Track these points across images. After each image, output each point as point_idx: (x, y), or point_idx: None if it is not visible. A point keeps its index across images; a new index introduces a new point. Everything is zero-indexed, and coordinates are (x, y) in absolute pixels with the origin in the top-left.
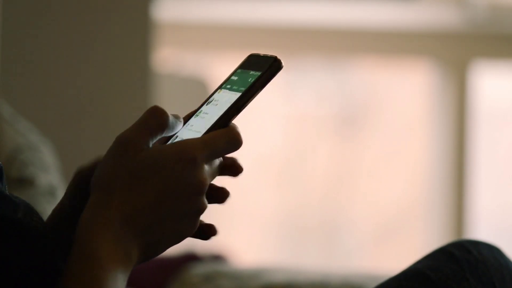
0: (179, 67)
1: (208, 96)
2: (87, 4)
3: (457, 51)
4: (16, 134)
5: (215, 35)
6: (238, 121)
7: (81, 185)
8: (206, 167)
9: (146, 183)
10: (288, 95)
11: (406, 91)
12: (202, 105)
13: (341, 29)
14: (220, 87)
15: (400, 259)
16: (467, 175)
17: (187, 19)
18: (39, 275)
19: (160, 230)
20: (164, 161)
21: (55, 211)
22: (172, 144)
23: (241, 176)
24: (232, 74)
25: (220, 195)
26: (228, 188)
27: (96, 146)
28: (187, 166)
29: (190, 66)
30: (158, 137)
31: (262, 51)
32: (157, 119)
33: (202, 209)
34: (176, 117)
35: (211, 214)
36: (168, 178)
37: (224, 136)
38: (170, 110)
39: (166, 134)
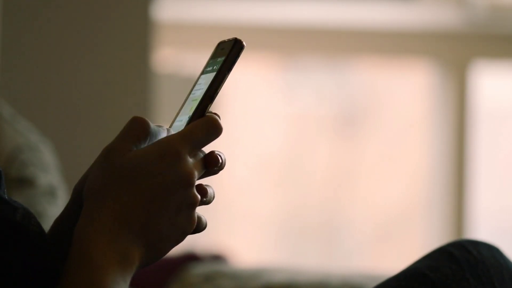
0: (179, 67)
1: (189, 91)
2: (87, 4)
3: (457, 51)
4: (16, 134)
5: (215, 35)
6: (239, 121)
7: (78, 200)
8: (191, 159)
9: (135, 183)
10: (288, 95)
11: (406, 91)
12: (185, 100)
13: (341, 29)
14: (197, 80)
15: (400, 259)
16: (467, 175)
17: (187, 19)
18: (37, 278)
19: (157, 228)
20: (149, 160)
21: (56, 223)
22: (153, 143)
23: (240, 176)
24: (206, 66)
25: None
26: (228, 188)
27: (96, 146)
28: (172, 160)
29: (190, 66)
30: (142, 145)
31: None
32: (138, 127)
33: (194, 202)
34: (159, 126)
35: (211, 213)
36: (156, 175)
37: (201, 125)
38: (170, 110)
39: (150, 141)
